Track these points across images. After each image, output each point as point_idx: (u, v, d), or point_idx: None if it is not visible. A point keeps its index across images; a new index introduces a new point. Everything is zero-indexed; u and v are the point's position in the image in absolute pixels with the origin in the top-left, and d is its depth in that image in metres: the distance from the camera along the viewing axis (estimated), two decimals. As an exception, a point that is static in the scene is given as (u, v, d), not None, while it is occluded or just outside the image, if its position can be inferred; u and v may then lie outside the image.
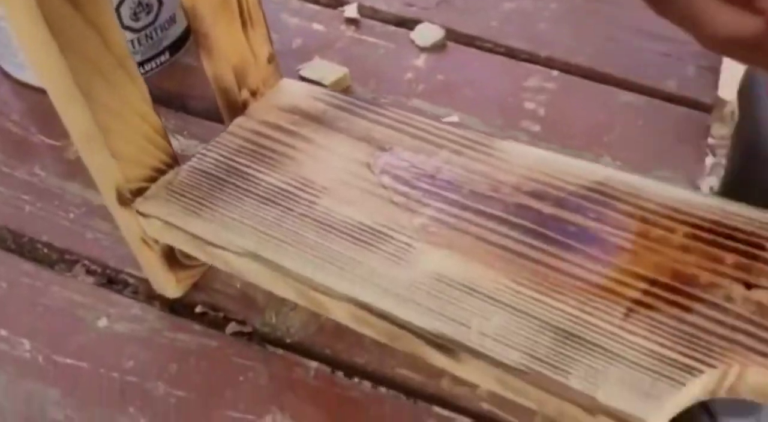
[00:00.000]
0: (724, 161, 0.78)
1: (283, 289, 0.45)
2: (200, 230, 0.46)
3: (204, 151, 0.51)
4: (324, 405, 0.50)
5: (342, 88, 0.69)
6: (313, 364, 0.52)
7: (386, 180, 0.47)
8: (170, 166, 0.50)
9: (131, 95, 0.45)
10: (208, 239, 0.46)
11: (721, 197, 0.45)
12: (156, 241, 0.50)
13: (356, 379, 0.51)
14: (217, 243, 0.45)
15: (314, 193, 0.47)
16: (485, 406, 0.50)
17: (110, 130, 0.44)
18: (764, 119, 0.65)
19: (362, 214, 0.45)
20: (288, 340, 0.54)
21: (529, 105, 0.69)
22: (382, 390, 0.51)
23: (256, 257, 0.44)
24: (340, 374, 0.52)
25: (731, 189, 0.76)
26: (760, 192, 0.68)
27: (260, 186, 0.48)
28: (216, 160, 0.50)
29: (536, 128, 0.67)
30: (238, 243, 0.45)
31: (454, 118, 0.68)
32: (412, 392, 0.51)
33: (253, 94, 0.55)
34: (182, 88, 0.72)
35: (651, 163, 0.65)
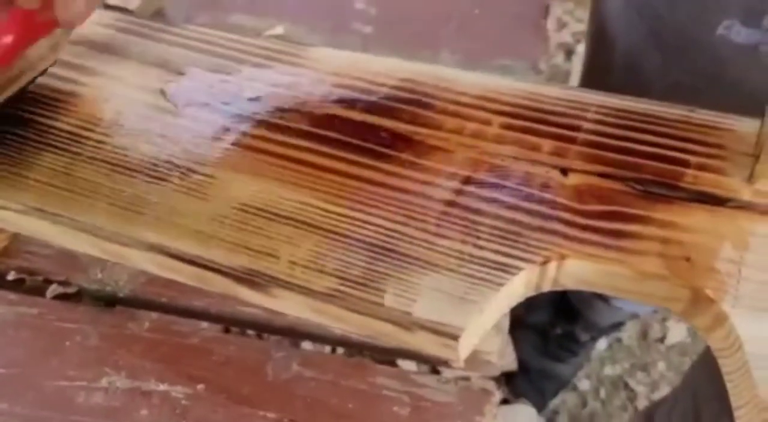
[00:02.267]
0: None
1: (78, 244, 0.40)
2: (-25, 191, 0.40)
3: (-25, 101, 0.45)
4: (163, 357, 0.46)
5: (152, 12, 0.62)
6: (149, 316, 0.48)
7: (182, 106, 0.43)
8: (-66, 123, 0.43)
9: None
10: (-15, 200, 0.40)
11: (536, 82, 0.42)
12: (-64, 210, 0.44)
13: (197, 324, 0.48)
14: (-5, 204, 0.40)
15: (103, 131, 0.42)
16: (337, 332, 0.47)
17: None
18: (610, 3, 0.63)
19: (157, 148, 0.41)
20: (120, 295, 0.49)
21: (359, 5, 0.65)
22: (226, 331, 0.47)
23: (40, 213, 0.39)
24: (178, 322, 0.48)
25: (587, 80, 0.74)
26: (610, 78, 0.66)
27: (44, 132, 0.42)
28: (-10, 108, 0.44)
29: (368, 29, 0.63)
30: (17, 200, 0.39)
31: (279, 30, 0.62)
32: (258, 327, 0.47)
33: (30, 27, 0.48)
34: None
35: (491, 52, 0.62)
